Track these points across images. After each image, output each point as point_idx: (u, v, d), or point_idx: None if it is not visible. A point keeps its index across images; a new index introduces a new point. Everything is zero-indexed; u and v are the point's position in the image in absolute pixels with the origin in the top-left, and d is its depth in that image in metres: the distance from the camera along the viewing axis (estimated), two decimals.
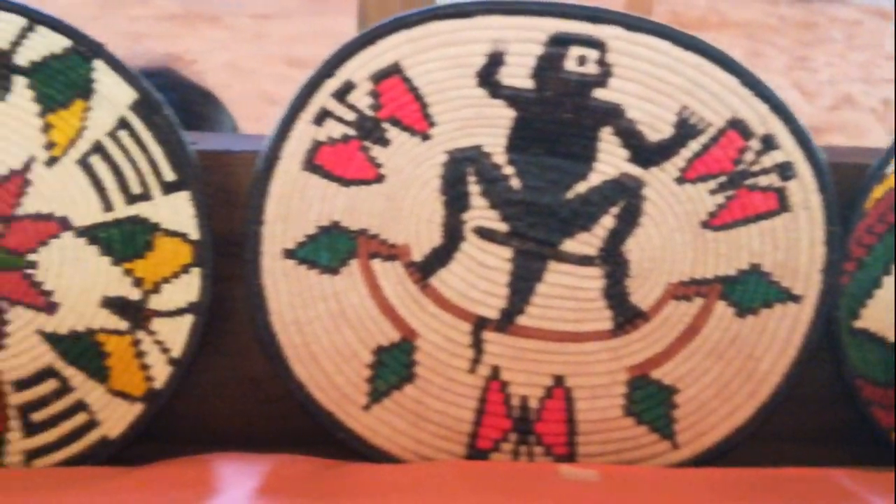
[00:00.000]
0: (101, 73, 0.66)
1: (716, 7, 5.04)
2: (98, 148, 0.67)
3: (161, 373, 0.69)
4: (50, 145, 0.67)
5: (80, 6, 5.03)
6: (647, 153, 0.69)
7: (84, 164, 0.67)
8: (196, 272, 0.68)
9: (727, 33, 4.63)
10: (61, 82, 0.66)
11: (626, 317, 0.70)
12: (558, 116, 0.68)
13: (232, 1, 5.24)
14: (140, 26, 4.70)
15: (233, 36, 4.64)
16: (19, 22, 0.65)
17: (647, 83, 0.68)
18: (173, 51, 4.43)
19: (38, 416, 0.69)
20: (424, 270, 0.70)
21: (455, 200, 0.69)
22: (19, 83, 0.66)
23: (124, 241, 0.68)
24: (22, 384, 0.69)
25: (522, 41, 0.68)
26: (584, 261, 0.70)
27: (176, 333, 0.69)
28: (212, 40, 4.56)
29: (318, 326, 0.70)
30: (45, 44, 0.66)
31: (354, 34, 0.68)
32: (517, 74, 0.68)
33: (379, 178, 0.69)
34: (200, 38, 4.57)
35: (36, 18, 0.65)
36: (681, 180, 0.69)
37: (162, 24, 4.74)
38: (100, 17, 4.88)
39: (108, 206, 0.68)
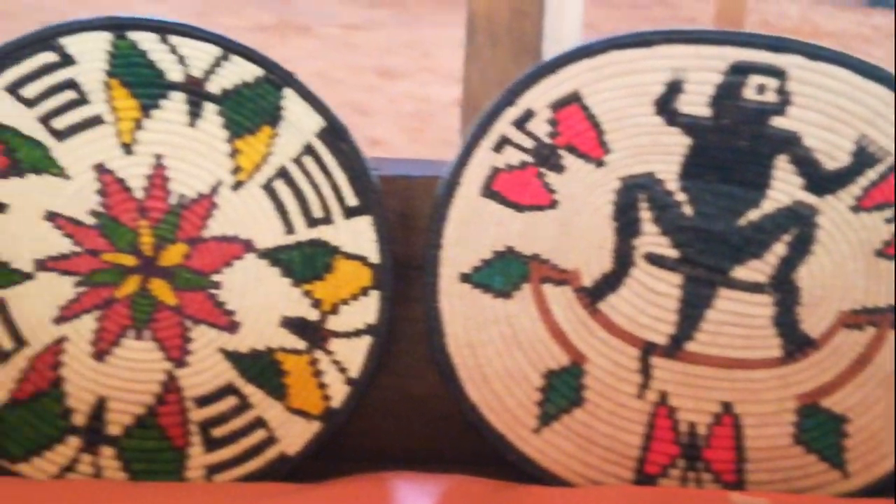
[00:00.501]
0: (290, 101, 0.68)
1: (808, 17, 4.97)
2: (282, 173, 0.69)
3: (338, 392, 0.70)
4: (236, 170, 0.69)
5: (174, 16, 5.14)
6: (822, 181, 0.69)
7: (268, 188, 0.69)
8: (375, 295, 0.70)
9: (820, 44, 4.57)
10: (250, 109, 0.68)
11: (796, 345, 0.70)
12: (734, 144, 0.69)
13: (323, 11, 5.31)
14: (233, 36, 4.78)
15: (323, 46, 4.70)
16: (214, 51, 0.68)
17: (826, 111, 0.68)
18: None
19: (218, 432, 0.71)
20: (594, 295, 0.71)
21: (626, 226, 0.70)
22: (210, 110, 0.68)
23: (305, 263, 0.70)
24: (203, 400, 0.71)
25: (702, 70, 0.68)
26: (754, 288, 0.70)
27: (353, 354, 0.70)
28: (303, 50, 4.62)
29: (491, 349, 0.71)
30: (237, 72, 0.68)
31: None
32: (695, 102, 0.68)
33: (553, 204, 0.70)
34: (292, 48, 4.63)
35: (231, 48, 0.68)
36: (856, 209, 0.69)
37: (254, 35, 4.81)
38: None
39: (289, 229, 0.70)
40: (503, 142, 0.69)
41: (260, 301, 0.70)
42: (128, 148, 0.69)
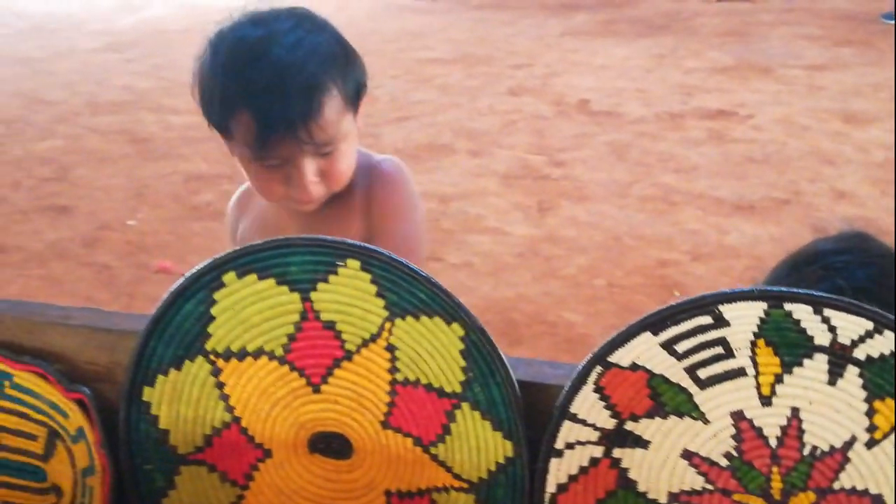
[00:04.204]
0: None
1: None
2: None
3: None
4: (871, 428, 0.71)
5: (637, 58, 5.24)
6: None
7: None
8: None
9: None
10: (893, 375, 0.69)
11: None
12: None
13: (785, 52, 5.17)
14: (692, 79, 4.79)
15: (786, 89, 4.56)
16: (867, 325, 0.69)
17: None
18: (725, 105, 4.47)
19: None
20: None
21: None
22: (851, 372, 0.70)
23: None
24: None
25: None
26: None
27: None
28: (764, 93, 4.52)
29: None
30: (885, 344, 0.69)
31: None
32: None
33: None
34: (752, 91, 4.55)
35: (883, 323, 0.69)
36: None
37: (714, 77, 4.78)
38: (654, 70, 5.04)
39: None
40: None
41: None
42: (766, 399, 0.72)
